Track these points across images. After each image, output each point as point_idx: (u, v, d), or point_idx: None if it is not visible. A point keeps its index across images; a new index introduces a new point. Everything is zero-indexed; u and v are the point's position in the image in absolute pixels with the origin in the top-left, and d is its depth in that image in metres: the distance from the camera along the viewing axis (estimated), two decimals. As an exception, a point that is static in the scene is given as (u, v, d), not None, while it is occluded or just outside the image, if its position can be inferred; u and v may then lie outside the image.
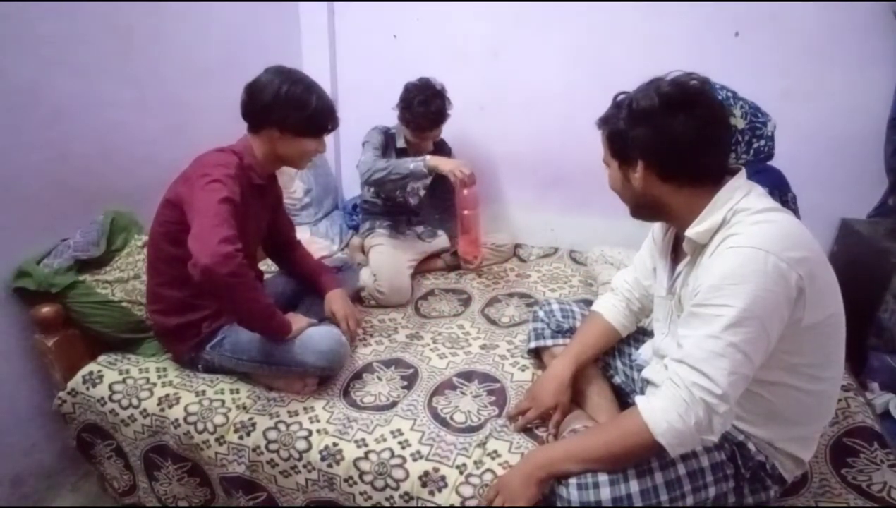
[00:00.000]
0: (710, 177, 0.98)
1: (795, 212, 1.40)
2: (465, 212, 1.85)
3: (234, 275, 1.20)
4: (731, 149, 1.37)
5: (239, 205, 1.31)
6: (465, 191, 1.85)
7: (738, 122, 1.36)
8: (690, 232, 0.97)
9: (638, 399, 0.96)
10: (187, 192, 1.31)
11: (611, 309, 1.33)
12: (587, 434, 1.08)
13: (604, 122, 1.06)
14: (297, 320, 1.43)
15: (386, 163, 1.93)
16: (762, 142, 1.41)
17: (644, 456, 0.96)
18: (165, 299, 1.45)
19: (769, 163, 1.50)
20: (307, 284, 1.71)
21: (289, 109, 1.39)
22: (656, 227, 1.22)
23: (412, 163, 1.92)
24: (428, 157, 1.94)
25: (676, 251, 1.12)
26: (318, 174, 2.47)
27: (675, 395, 0.89)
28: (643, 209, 1.07)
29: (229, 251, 1.19)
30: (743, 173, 0.99)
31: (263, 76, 1.41)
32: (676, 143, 0.95)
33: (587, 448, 1.00)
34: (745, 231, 0.90)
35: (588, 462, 0.98)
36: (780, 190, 1.40)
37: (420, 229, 2.28)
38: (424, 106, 1.97)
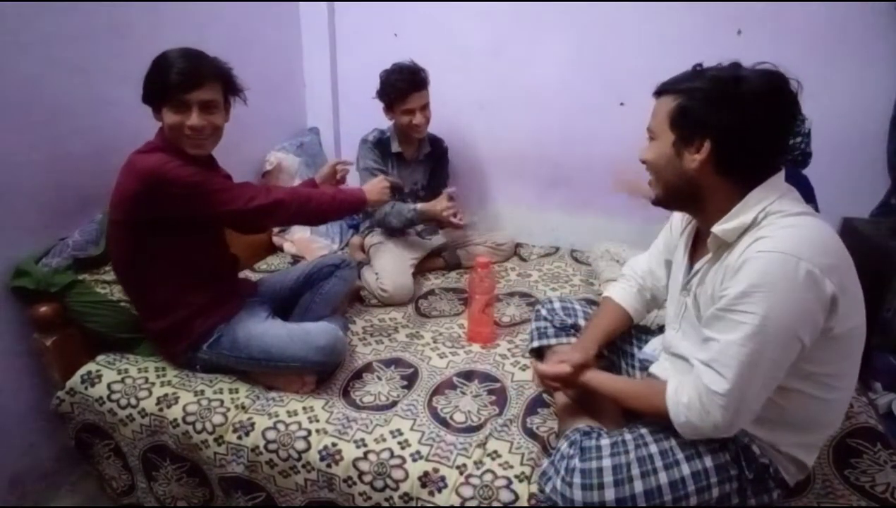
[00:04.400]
0: (764, 176, 0.95)
1: None
2: (477, 296, 1.64)
3: (286, 200, 1.38)
4: None
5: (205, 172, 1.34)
6: (480, 271, 1.62)
7: None
8: (717, 228, 0.95)
9: (670, 385, 0.98)
10: (162, 204, 1.30)
11: (622, 293, 1.31)
12: (622, 384, 1.16)
13: (675, 91, 0.97)
14: (367, 190, 1.56)
15: (389, 209, 2.05)
16: (798, 140, 1.39)
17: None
18: (147, 306, 1.45)
19: (804, 167, 1.46)
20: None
21: (145, 80, 1.32)
22: (676, 220, 1.19)
23: (409, 213, 2.04)
24: (418, 205, 2.04)
25: (696, 246, 1.10)
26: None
27: (699, 397, 0.91)
28: (676, 195, 1.03)
29: (259, 204, 1.34)
30: (782, 174, 0.96)
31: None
32: (756, 139, 0.92)
33: (617, 390, 1.11)
34: (775, 234, 0.88)
35: (608, 395, 1.12)
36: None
37: (420, 227, 2.27)
38: (398, 73, 1.99)
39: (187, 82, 1.29)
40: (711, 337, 0.92)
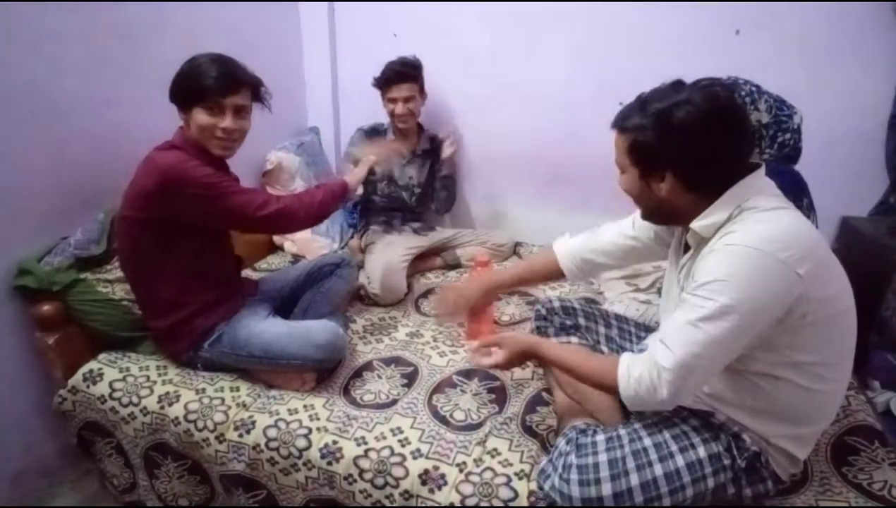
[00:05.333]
0: (737, 178, 0.98)
1: (810, 218, 1.38)
2: (479, 268, 1.65)
3: (293, 207, 1.42)
4: (756, 144, 1.35)
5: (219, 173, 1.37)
6: (480, 270, 1.65)
7: (763, 116, 1.34)
8: (695, 225, 0.99)
9: (623, 358, 1.00)
10: (175, 204, 1.31)
11: (565, 254, 1.39)
12: (575, 355, 1.14)
13: (626, 129, 1.01)
14: (348, 176, 1.64)
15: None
16: (787, 136, 1.39)
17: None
18: (151, 303, 1.46)
19: (795, 162, 1.47)
20: None
21: (175, 81, 1.37)
22: None
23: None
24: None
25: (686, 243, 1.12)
26: (320, 173, 2.47)
27: (648, 371, 0.94)
28: (658, 215, 1.09)
29: (278, 207, 1.38)
30: (761, 171, 0.99)
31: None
32: (713, 157, 0.95)
33: (568, 362, 1.10)
34: (744, 229, 0.92)
35: (563, 369, 1.13)
36: (794, 194, 1.38)
37: (416, 225, 2.28)
38: (392, 63, 2.06)
39: (225, 87, 1.34)
40: (672, 317, 0.96)
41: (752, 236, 0.90)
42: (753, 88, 1.35)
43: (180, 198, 1.31)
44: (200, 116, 1.35)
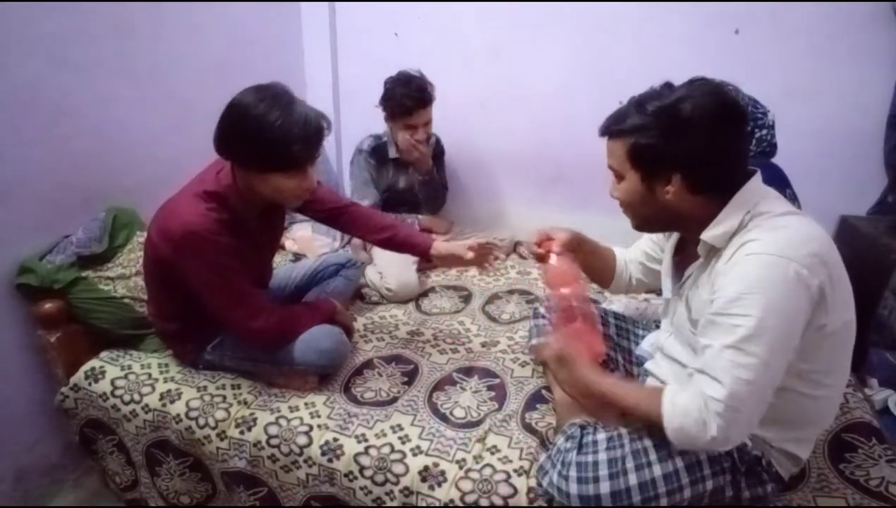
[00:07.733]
0: (741, 181, 0.95)
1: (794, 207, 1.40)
2: (563, 290, 1.16)
3: (271, 332, 1.36)
4: None
5: (236, 247, 1.28)
6: (553, 260, 1.19)
7: None
8: (706, 235, 0.96)
9: (668, 388, 0.95)
10: (183, 270, 1.27)
11: (621, 254, 1.35)
12: (621, 390, 1.05)
13: (623, 132, 0.97)
14: (328, 304, 1.55)
15: None
16: (764, 132, 1.42)
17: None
18: (163, 308, 1.46)
19: (772, 157, 1.50)
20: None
21: (243, 141, 1.20)
22: None
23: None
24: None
25: (682, 252, 1.11)
26: (320, 172, 2.46)
27: (697, 405, 0.88)
28: (658, 223, 1.06)
29: (258, 325, 1.33)
30: (759, 176, 0.97)
31: (240, 97, 1.22)
32: (723, 155, 0.92)
33: (617, 399, 1.02)
34: (763, 236, 0.89)
35: (606, 400, 1.04)
36: (777, 186, 1.41)
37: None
38: (405, 87, 1.95)
39: (314, 150, 1.26)
40: (706, 344, 0.91)
41: (776, 243, 0.86)
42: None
43: (185, 266, 1.27)
44: (281, 181, 1.24)
